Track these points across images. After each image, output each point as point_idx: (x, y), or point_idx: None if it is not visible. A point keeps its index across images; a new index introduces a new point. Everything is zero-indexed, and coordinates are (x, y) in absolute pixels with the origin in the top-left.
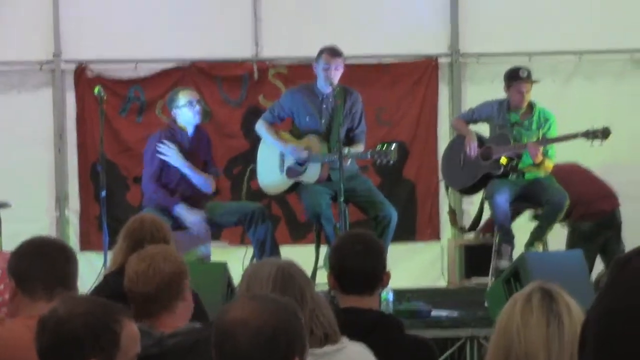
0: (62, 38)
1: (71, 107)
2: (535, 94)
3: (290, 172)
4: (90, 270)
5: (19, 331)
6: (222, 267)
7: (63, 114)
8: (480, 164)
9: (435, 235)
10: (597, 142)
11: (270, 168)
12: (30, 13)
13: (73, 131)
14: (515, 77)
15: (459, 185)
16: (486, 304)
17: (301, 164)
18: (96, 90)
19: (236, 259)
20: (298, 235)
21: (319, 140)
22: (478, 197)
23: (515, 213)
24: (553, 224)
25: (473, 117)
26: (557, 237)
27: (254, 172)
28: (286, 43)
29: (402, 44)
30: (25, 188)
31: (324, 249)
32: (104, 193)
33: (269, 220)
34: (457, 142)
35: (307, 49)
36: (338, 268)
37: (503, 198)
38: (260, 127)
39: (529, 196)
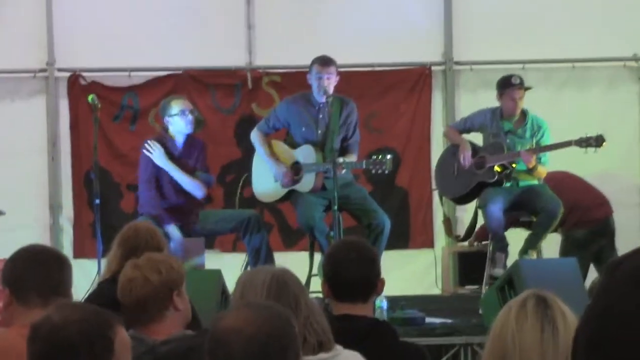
0: (55, 46)
1: (65, 115)
2: (529, 102)
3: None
4: (85, 277)
5: (13, 340)
6: (217, 275)
7: (56, 122)
8: (474, 173)
9: (429, 243)
10: (591, 149)
11: (265, 176)
12: (24, 21)
13: (67, 139)
14: (507, 85)
15: (453, 194)
16: (480, 312)
17: (296, 173)
18: (90, 98)
19: (230, 266)
20: (290, 243)
21: (314, 149)
22: (472, 205)
23: (510, 223)
24: (547, 231)
25: (466, 126)
26: (551, 244)
27: (247, 180)
28: (280, 51)
29: (396, 52)
30: (19, 196)
31: (317, 257)
32: (98, 201)
33: (264, 228)
34: (451, 151)
35: (300, 58)
36: (332, 276)
37: (497, 206)
38: (255, 137)
39: (523, 204)
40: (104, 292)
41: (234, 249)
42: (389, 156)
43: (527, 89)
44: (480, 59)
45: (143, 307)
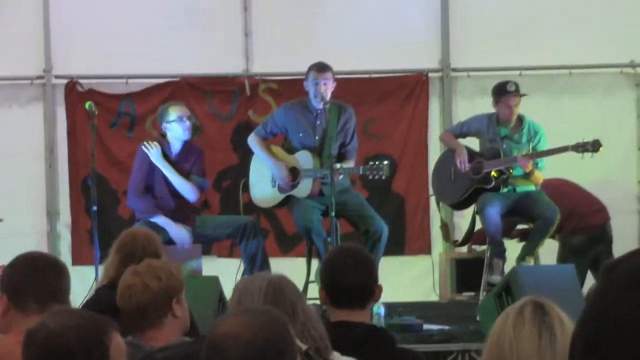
0: (53, 53)
1: (62, 121)
2: (526, 109)
3: (282, 187)
4: (82, 284)
5: (11, 346)
6: (214, 281)
7: (54, 128)
8: (471, 178)
9: (426, 249)
10: (587, 155)
11: (263, 182)
12: (22, 28)
13: (64, 146)
14: (503, 92)
15: (450, 200)
16: (478, 318)
17: (293, 178)
18: (87, 105)
19: (227, 272)
20: (287, 248)
21: (311, 155)
22: (469, 211)
23: (509, 228)
24: (544, 238)
25: (462, 130)
26: (549, 251)
27: (245, 186)
28: (277, 58)
29: (393, 58)
30: (16, 202)
31: (315, 263)
32: (95, 207)
33: (261, 234)
34: (448, 157)
35: (297, 65)
36: (329, 282)
37: (494, 212)
38: (253, 141)
39: (520, 210)
40: (101, 298)
41: (230, 254)
42: (385, 162)
43: (522, 95)
44: (477, 66)
45: (142, 313)
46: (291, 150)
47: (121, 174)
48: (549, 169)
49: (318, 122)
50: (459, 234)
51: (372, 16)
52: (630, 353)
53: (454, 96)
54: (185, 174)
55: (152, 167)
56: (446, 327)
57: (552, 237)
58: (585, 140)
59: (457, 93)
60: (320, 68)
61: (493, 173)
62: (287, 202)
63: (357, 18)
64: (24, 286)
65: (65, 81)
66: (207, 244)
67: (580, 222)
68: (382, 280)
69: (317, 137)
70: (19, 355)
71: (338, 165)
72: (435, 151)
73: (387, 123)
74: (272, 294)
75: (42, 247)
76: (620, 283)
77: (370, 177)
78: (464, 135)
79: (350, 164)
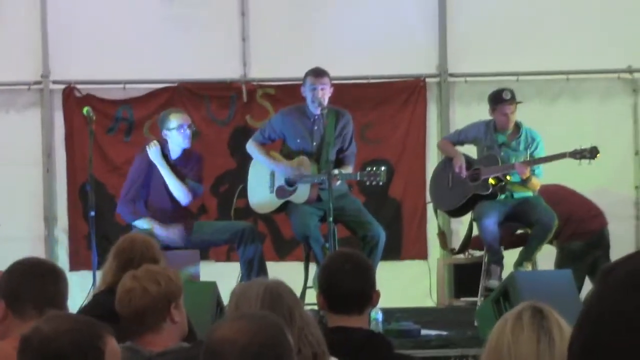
0: (50, 59)
1: (59, 127)
2: (523, 115)
3: (280, 192)
4: (80, 289)
5: (9, 353)
6: (212, 286)
7: (51, 134)
8: (468, 185)
9: (422, 254)
10: (585, 161)
11: (261, 187)
12: (19, 34)
13: (61, 151)
14: (499, 100)
15: (447, 207)
16: (476, 324)
17: (291, 184)
18: (85, 110)
19: (225, 276)
20: (283, 253)
21: (309, 161)
22: (467, 218)
23: (508, 235)
24: (542, 244)
25: (460, 138)
26: (546, 256)
27: (243, 191)
28: (274, 64)
29: (391, 64)
30: (14, 207)
31: (312, 269)
32: (93, 213)
33: (259, 239)
34: (446, 164)
35: (295, 70)
36: (327, 287)
37: (492, 219)
38: (251, 147)
39: (518, 216)
40: (100, 304)
41: (227, 258)
42: (383, 168)
43: (518, 103)
44: (474, 71)
45: (141, 318)
46: (289, 156)
47: (118, 179)
48: (546, 175)
49: (315, 128)
50: (457, 240)
51: (370, 21)
52: (627, 356)
53: (452, 101)
54: (181, 178)
55: (149, 172)
56: (444, 333)
57: (550, 242)
58: (582, 147)
59: (454, 98)
60: (318, 73)
61: (491, 180)
62: (285, 207)
63: (354, 23)
64: (21, 292)
65: (62, 86)
66: (204, 249)
67: (578, 227)
68: (378, 285)
69: (314, 143)
70: None
71: (336, 171)
72: (432, 156)
73: (384, 128)
74: (270, 299)
75: (39, 252)
76: (617, 286)
77: (368, 182)
78: (461, 143)
79: (349, 169)
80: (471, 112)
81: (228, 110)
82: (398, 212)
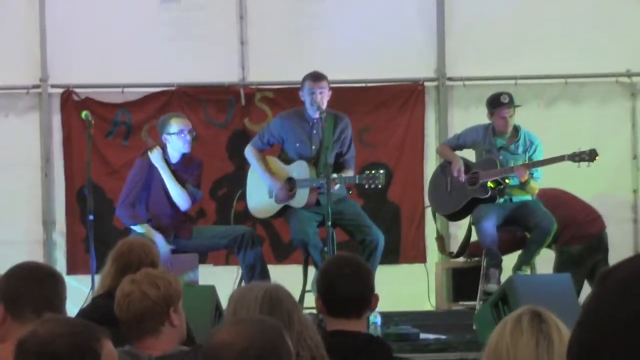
0: (49, 63)
1: (58, 131)
2: (521, 118)
3: (278, 197)
4: (78, 293)
5: (7, 356)
6: (210, 290)
7: (50, 137)
8: (467, 189)
9: (421, 258)
10: (583, 164)
11: (260, 192)
12: (18, 38)
13: (60, 155)
14: (497, 104)
15: (446, 211)
16: (474, 327)
17: (290, 189)
18: (84, 114)
19: (223, 280)
20: (282, 256)
21: (308, 165)
22: (465, 221)
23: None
24: (541, 248)
25: (458, 142)
26: (545, 260)
27: (242, 196)
28: (273, 67)
29: (389, 68)
30: (12, 211)
31: (311, 273)
32: (91, 217)
33: (259, 243)
34: (444, 168)
35: (293, 74)
36: (326, 291)
37: (490, 223)
38: (249, 153)
39: (516, 219)
40: (99, 308)
41: (226, 262)
42: (381, 171)
43: (516, 106)
44: (472, 75)
45: (140, 322)
46: (287, 161)
47: (116, 183)
48: (545, 179)
49: (314, 132)
50: (455, 244)
51: (368, 25)
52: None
53: (450, 105)
54: (181, 182)
55: (149, 177)
56: (443, 337)
57: (549, 246)
58: (581, 150)
59: (452, 102)
60: (316, 77)
61: (490, 183)
62: (284, 212)
63: (353, 27)
64: (20, 296)
65: (61, 90)
66: (203, 254)
67: (576, 231)
68: (376, 288)
69: (313, 147)
70: None
71: (335, 175)
72: (431, 160)
73: (382, 132)
74: (269, 303)
75: (37, 256)
76: (615, 289)
77: (367, 186)
78: (460, 147)
79: (349, 173)
80: (469, 115)
81: (226, 114)
82: (397, 216)
